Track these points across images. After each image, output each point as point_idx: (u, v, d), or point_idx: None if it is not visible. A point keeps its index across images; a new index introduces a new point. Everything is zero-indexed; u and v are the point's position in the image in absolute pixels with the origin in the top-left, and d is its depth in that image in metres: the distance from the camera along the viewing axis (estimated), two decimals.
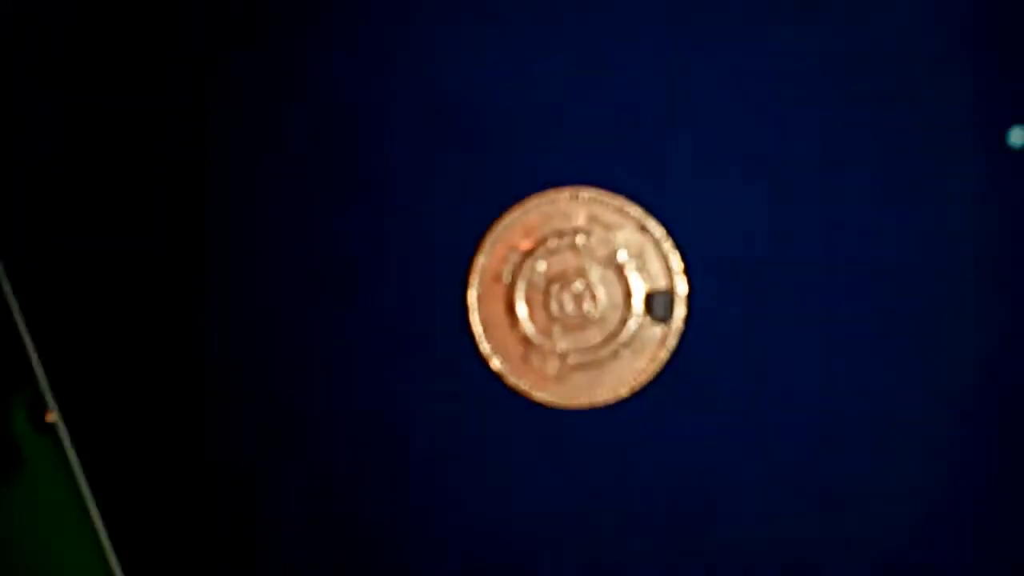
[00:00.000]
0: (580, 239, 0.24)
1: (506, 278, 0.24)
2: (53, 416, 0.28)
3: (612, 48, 0.23)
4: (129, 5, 0.25)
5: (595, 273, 0.24)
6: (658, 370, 0.23)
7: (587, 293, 0.24)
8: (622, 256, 0.24)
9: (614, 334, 0.24)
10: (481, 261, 0.24)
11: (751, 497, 0.24)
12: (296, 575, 0.25)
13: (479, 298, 0.24)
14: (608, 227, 0.23)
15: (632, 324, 0.24)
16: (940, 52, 0.23)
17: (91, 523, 0.28)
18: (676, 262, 0.23)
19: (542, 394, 0.24)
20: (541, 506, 0.24)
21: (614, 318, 0.24)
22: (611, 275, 0.24)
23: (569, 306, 0.24)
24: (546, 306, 0.24)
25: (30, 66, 0.25)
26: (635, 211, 0.23)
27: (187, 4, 0.25)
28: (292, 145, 0.24)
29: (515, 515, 0.24)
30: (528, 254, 0.24)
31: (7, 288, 0.26)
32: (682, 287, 0.23)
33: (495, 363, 0.24)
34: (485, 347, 0.24)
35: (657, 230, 0.23)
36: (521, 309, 0.24)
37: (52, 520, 0.31)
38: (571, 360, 0.24)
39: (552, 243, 0.24)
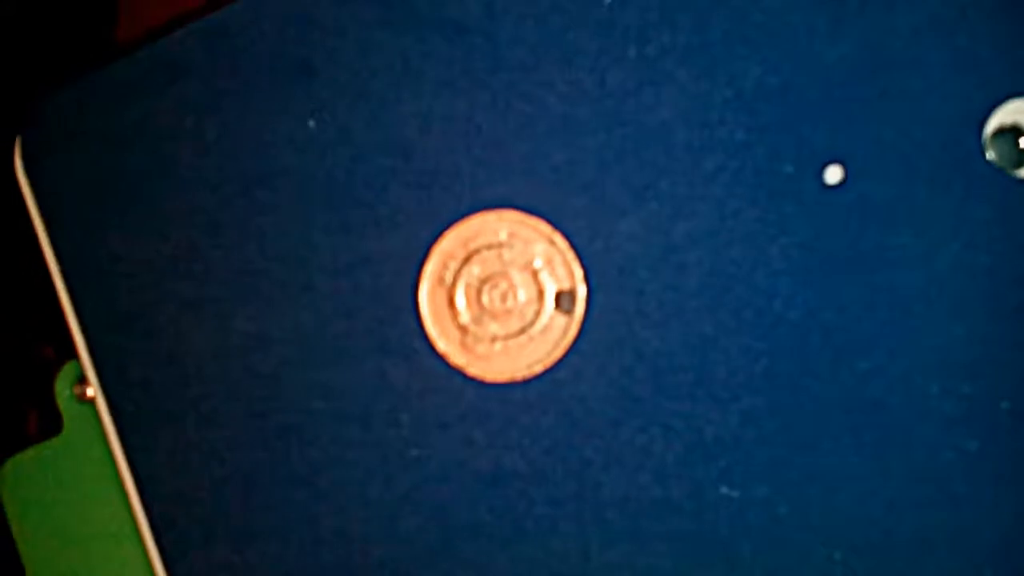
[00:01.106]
0: (505, 250, 0.29)
1: (448, 279, 0.30)
2: (92, 391, 0.33)
3: (527, 107, 0.29)
4: None
5: (516, 276, 0.29)
6: (563, 353, 0.29)
7: (510, 292, 0.29)
8: (537, 263, 0.29)
9: (530, 323, 0.29)
10: (430, 267, 0.30)
11: (631, 449, 0.29)
12: (263, 530, 0.31)
13: (428, 294, 0.30)
14: (526, 241, 0.29)
15: (544, 316, 0.29)
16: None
17: (123, 489, 0.32)
18: (577, 269, 0.29)
19: (474, 369, 0.30)
20: (476, 456, 0.30)
21: (530, 311, 0.29)
22: (528, 278, 0.29)
23: (496, 301, 0.29)
24: (479, 301, 0.30)
25: None
26: (546, 229, 0.29)
27: None
28: (282, 174, 0.30)
29: (454, 466, 0.30)
30: (465, 261, 0.30)
31: (56, 268, 0.32)
32: (582, 289, 0.29)
33: (440, 345, 0.30)
34: (433, 331, 0.30)
35: (563, 243, 0.29)
36: (460, 303, 0.30)
37: (84, 481, 0.36)
38: (497, 344, 0.30)
39: (483, 253, 0.29)
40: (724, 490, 0.29)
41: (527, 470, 0.30)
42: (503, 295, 0.29)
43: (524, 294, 0.29)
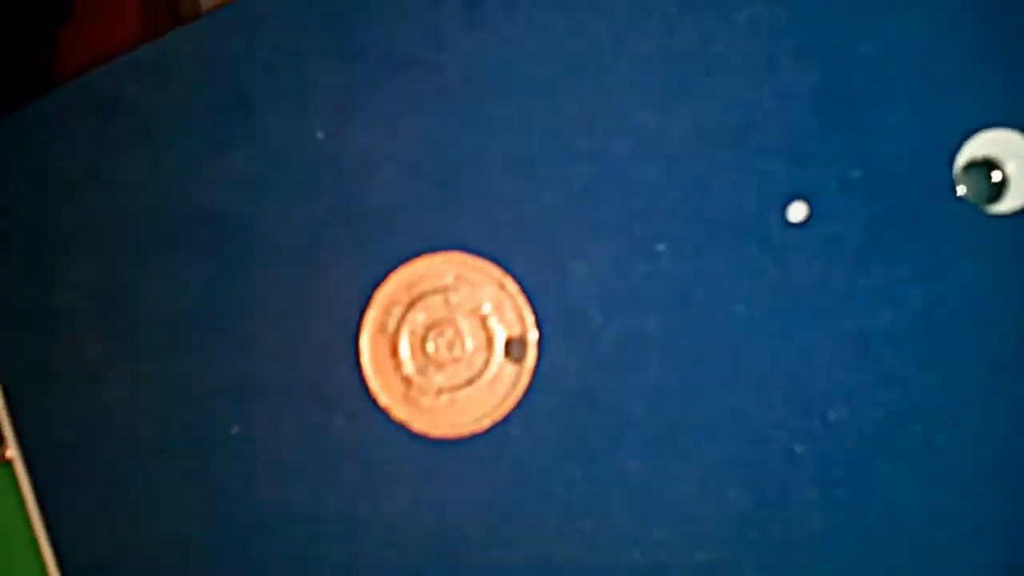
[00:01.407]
0: (452, 295, 0.28)
1: (391, 327, 0.28)
2: (11, 452, 0.31)
3: (475, 143, 0.27)
4: None
5: (463, 323, 0.28)
6: (513, 405, 0.27)
7: (456, 339, 0.28)
8: (485, 309, 0.27)
9: (478, 373, 0.27)
10: (372, 313, 0.28)
11: (587, 510, 0.27)
12: None
13: (370, 343, 0.28)
14: (474, 285, 0.27)
15: (493, 365, 0.27)
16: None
17: (39, 551, 0.30)
18: (528, 314, 0.27)
19: (419, 424, 0.28)
20: (421, 518, 0.28)
21: (478, 360, 0.27)
22: (476, 324, 0.27)
23: (442, 350, 0.28)
24: (423, 350, 0.28)
25: None
26: (495, 272, 0.27)
27: None
28: (217, 219, 0.29)
29: (399, 529, 0.28)
30: (409, 307, 0.28)
31: None
32: (533, 335, 0.27)
33: (382, 398, 0.28)
34: (374, 383, 0.28)
35: (513, 287, 0.27)
36: (404, 352, 0.28)
37: (3, 546, 0.34)
38: (443, 396, 0.28)
39: (428, 298, 0.28)
40: (701, 556, 0.27)
41: (476, 532, 0.28)
42: (449, 343, 0.27)
43: (472, 342, 0.27)
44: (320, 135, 0.28)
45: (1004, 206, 0.25)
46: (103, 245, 0.29)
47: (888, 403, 0.26)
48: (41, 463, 0.30)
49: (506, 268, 0.27)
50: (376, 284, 0.28)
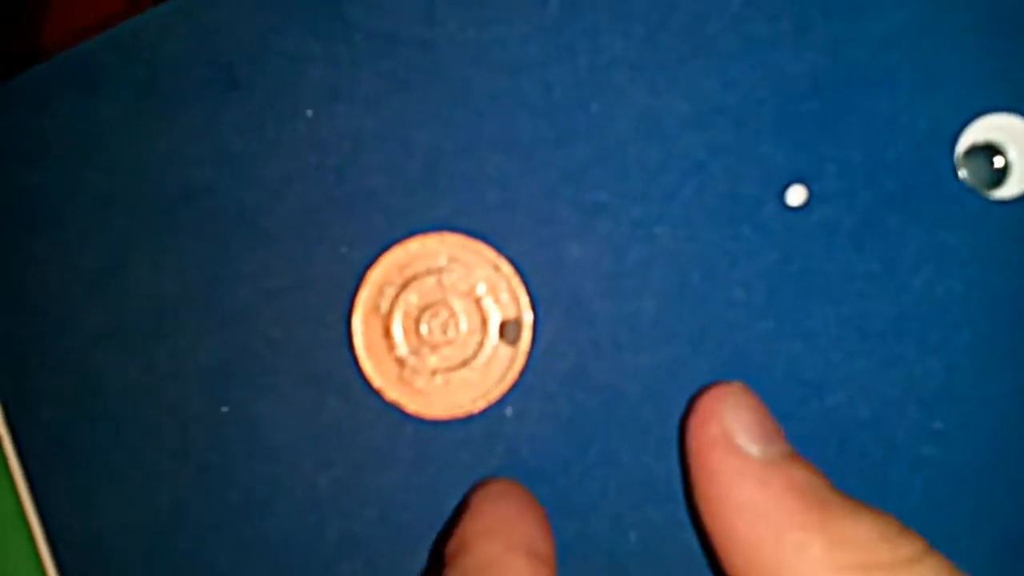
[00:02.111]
0: (446, 276, 0.27)
1: (384, 308, 0.28)
2: None
3: (468, 122, 0.27)
4: None
5: (457, 304, 0.27)
6: (508, 387, 0.27)
7: (450, 321, 0.27)
8: (480, 290, 0.27)
9: (473, 355, 0.27)
10: (364, 294, 0.27)
11: (582, 492, 0.27)
12: None
13: (363, 324, 0.28)
14: (468, 266, 0.27)
15: (487, 347, 0.27)
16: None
17: (29, 529, 0.30)
18: (523, 296, 0.27)
19: (413, 406, 0.27)
20: (415, 500, 0.28)
21: (472, 342, 0.27)
22: (470, 306, 0.27)
23: (436, 331, 0.27)
24: (417, 331, 0.27)
25: None
26: (489, 253, 0.27)
27: None
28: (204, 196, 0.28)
29: (392, 510, 0.28)
30: (403, 288, 0.27)
31: None
32: (528, 317, 0.27)
33: (376, 380, 0.28)
34: (367, 365, 0.28)
35: (508, 269, 0.27)
36: (397, 333, 0.28)
37: None
38: (437, 377, 0.27)
39: (422, 279, 0.27)
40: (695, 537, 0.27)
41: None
42: (443, 325, 0.27)
43: (466, 323, 0.27)
44: (309, 113, 0.27)
45: (1005, 192, 0.25)
46: (90, 224, 0.29)
47: (886, 388, 0.26)
48: (29, 439, 0.30)
49: (500, 250, 0.27)
50: (368, 265, 0.27)
